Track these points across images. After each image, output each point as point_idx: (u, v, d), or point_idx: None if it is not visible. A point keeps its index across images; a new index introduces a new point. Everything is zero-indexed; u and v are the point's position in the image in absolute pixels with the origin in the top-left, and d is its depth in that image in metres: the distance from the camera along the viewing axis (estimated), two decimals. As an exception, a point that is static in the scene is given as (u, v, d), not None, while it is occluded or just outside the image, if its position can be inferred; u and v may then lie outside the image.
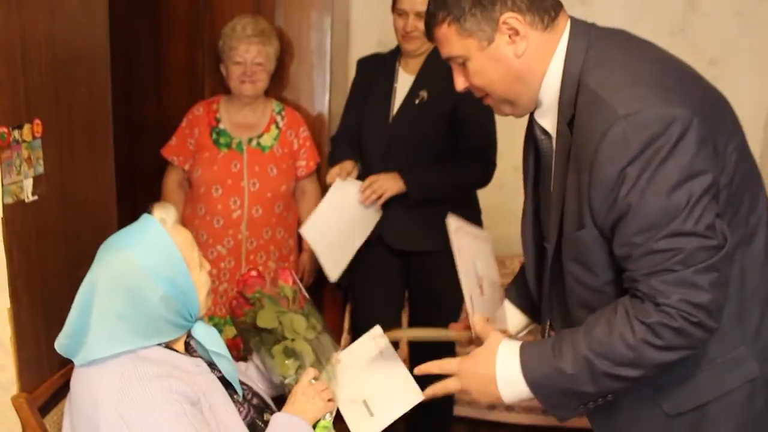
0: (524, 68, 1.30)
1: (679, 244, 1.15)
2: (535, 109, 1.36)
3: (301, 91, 2.93)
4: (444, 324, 1.80)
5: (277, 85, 2.85)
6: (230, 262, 2.63)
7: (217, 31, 2.71)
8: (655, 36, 1.40)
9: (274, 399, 1.66)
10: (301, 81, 2.93)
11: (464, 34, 1.29)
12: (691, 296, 1.15)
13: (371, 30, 3.37)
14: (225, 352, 1.49)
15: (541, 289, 1.49)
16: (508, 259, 3.03)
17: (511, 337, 1.48)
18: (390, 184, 2.41)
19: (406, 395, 1.60)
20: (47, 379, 1.58)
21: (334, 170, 2.47)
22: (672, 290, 1.16)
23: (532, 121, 1.42)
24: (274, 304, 1.67)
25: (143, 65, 2.99)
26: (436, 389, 1.43)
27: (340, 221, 2.46)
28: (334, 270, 2.48)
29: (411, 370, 2.86)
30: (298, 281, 1.75)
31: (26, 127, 1.54)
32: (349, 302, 2.91)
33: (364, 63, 2.66)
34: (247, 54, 2.58)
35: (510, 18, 1.26)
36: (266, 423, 1.52)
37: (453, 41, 1.31)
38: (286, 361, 1.62)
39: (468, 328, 1.62)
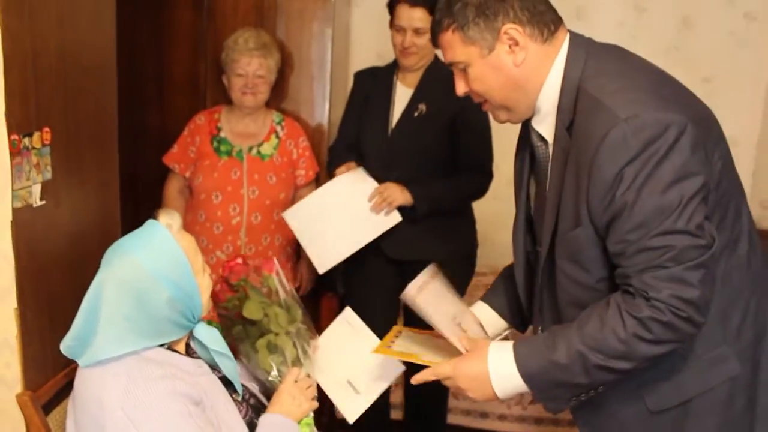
0: (522, 77, 1.36)
1: (671, 241, 1.21)
2: (533, 117, 1.43)
3: (301, 102, 2.97)
4: None
5: (278, 96, 2.89)
6: (229, 268, 2.67)
7: (220, 42, 2.75)
8: (650, 53, 1.46)
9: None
10: (302, 92, 2.97)
11: (467, 42, 1.36)
12: (681, 292, 1.21)
13: (371, 43, 3.41)
14: (227, 351, 1.52)
15: (532, 291, 1.54)
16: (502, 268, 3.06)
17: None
18: (399, 195, 2.43)
19: (388, 367, 1.63)
20: (51, 378, 1.62)
21: (341, 169, 2.51)
22: (663, 286, 1.22)
23: (527, 131, 1.48)
24: (258, 294, 1.68)
25: (147, 75, 3.03)
26: (426, 375, 1.47)
27: (340, 214, 2.47)
28: (322, 262, 2.45)
29: (408, 385, 2.88)
30: (281, 272, 1.75)
31: (36, 135, 1.57)
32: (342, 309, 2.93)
33: (361, 76, 2.69)
34: (249, 67, 2.63)
35: (511, 29, 1.33)
36: (264, 423, 1.55)
37: (456, 48, 1.37)
38: (269, 357, 1.64)
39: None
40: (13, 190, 1.52)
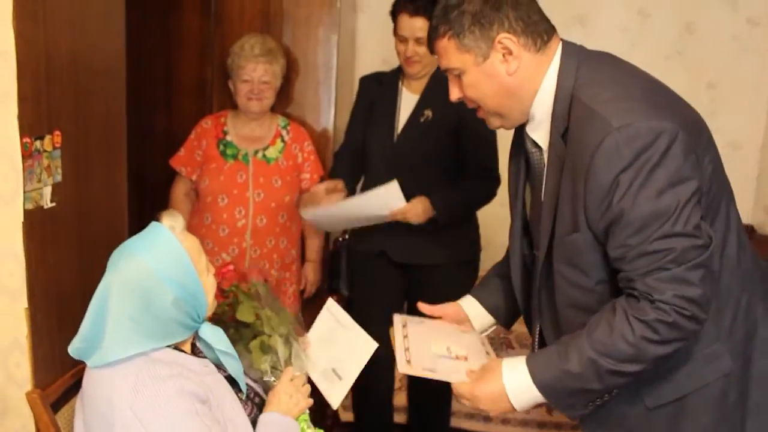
0: (515, 85, 1.39)
1: (671, 244, 1.24)
2: (527, 124, 1.45)
3: (306, 107, 3.00)
4: None
5: (284, 101, 2.91)
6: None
7: (227, 47, 2.78)
8: (653, 58, 1.48)
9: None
10: (307, 97, 3.00)
11: (462, 49, 1.39)
12: (684, 291, 1.24)
13: (377, 48, 3.44)
14: (231, 350, 1.54)
15: (530, 292, 1.57)
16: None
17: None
18: (422, 217, 2.40)
19: (361, 348, 1.66)
20: (59, 378, 1.62)
21: (323, 186, 2.48)
22: (666, 287, 1.25)
23: (521, 138, 1.50)
24: (248, 298, 1.73)
25: (155, 79, 3.06)
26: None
27: (355, 218, 2.51)
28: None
29: (411, 388, 2.87)
30: (267, 281, 1.82)
31: (47, 138, 1.60)
32: (348, 312, 2.95)
33: (366, 81, 2.70)
34: (255, 73, 2.65)
35: (505, 38, 1.36)
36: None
37: (451, 54, 1.40)
38: (263, 357, 1.67)
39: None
40: (24, 192, 1.54)
